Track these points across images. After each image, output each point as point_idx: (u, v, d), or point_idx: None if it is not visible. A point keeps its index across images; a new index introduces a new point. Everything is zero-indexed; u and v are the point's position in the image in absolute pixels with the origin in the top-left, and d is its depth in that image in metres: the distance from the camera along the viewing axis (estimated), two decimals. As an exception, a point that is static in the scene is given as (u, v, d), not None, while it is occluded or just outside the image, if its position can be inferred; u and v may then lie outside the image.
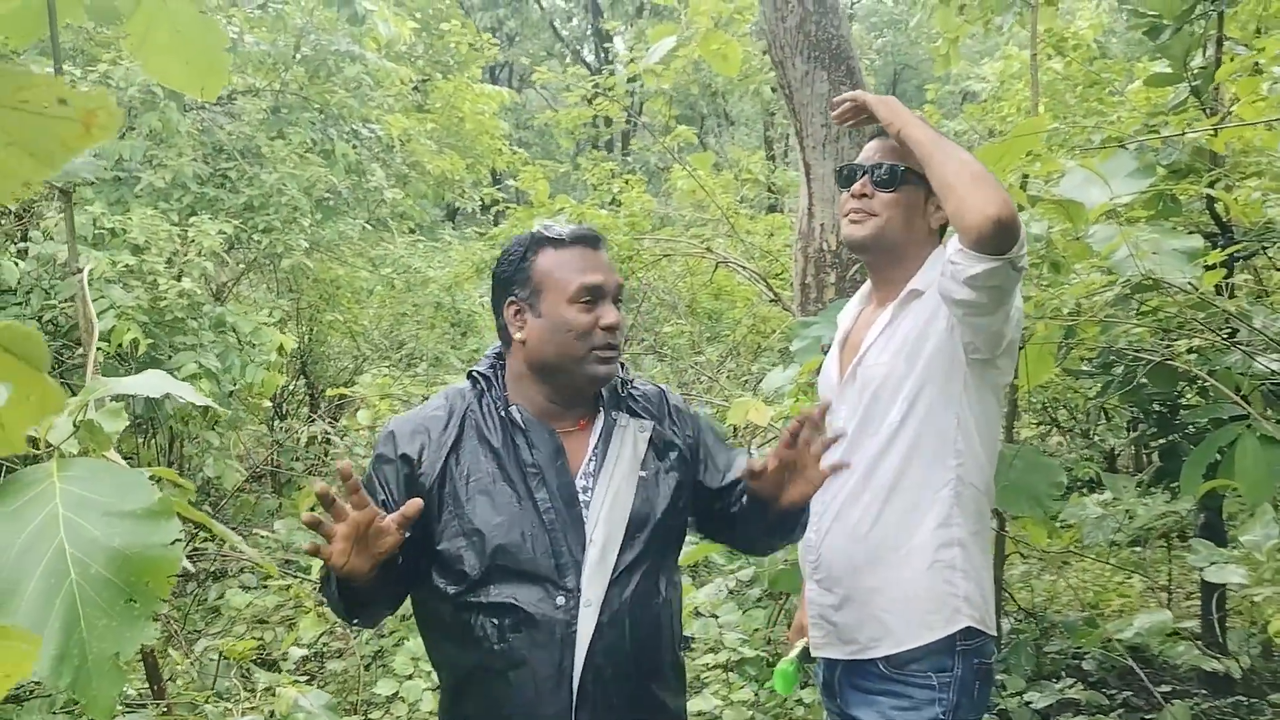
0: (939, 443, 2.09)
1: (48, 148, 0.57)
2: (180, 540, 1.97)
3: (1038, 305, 2.74)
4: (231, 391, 5.99)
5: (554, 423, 1.88)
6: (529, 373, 1.89)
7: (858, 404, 2.16)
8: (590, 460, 1.87)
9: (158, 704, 2.44)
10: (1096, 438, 6.01)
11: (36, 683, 2.66)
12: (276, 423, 7.44)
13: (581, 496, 1.83)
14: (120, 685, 1.81)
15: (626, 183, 6.15)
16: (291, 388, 8.46)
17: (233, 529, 6.11)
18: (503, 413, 1.87)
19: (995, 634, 2.19)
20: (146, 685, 2.71)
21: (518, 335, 1.88)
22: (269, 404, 7.79)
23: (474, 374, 1.93)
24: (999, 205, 1.91)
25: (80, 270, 2.50)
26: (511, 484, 1.82)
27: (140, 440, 5.93)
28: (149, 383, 2.23)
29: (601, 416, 1.90)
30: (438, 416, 1.89)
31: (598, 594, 1.77)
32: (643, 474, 1.87)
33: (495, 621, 1.78)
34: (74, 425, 2.11)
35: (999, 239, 1.91)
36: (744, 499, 1.91)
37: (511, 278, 1.90)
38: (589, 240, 1.88)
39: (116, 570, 1.85)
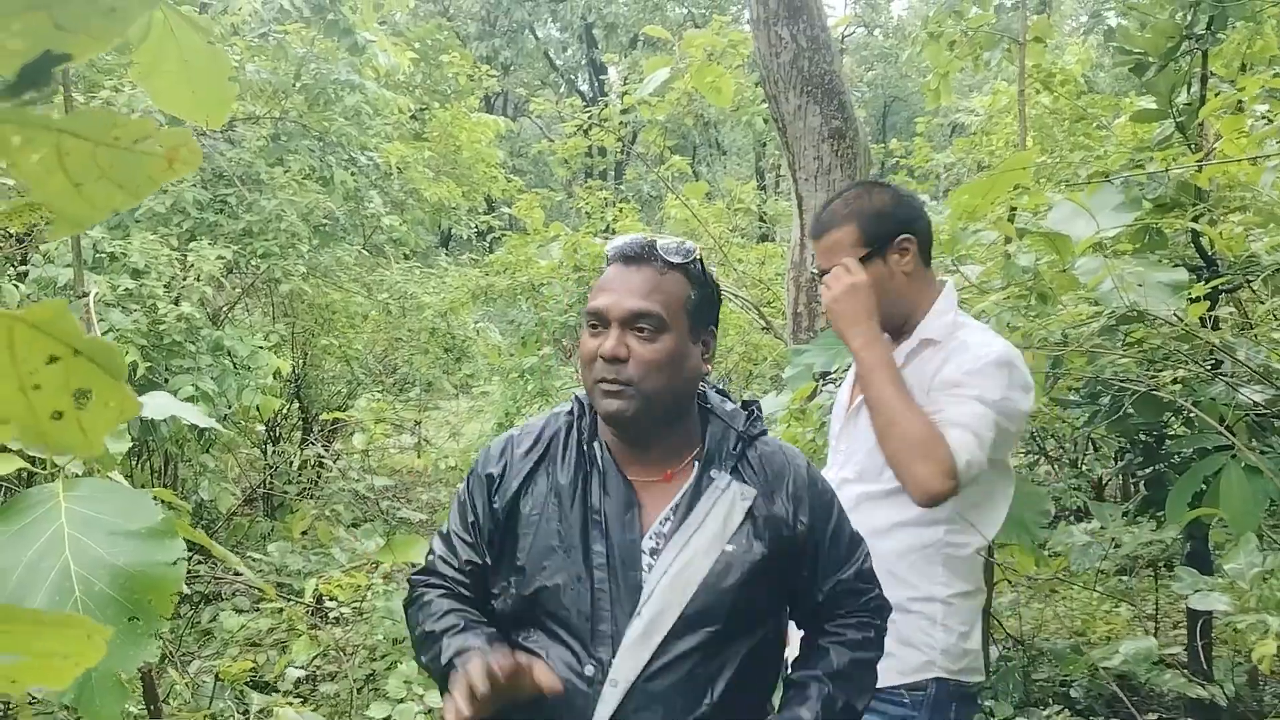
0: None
1: (135, 180, 0.64)
2: (184, 560, 2.01)
3: (1025, 336, 2.79)
4: (226, 415, 6.03)
5: (636, 469, 1.66)
6: None
7: (860, 444, 2.19)
8: (666, 520, 1.62)
9: (155, 723, 2.46)
10: (1084, 467, 6.05)
11: (35, 699, 2.69)
12: (270, 446, 7.47)
13: (645, 559, 1.59)
14: (123, 701, 1.85)
15: (620, 211, 6.23)
16: (285, 411, 8.49)
17: (230, 551, 6.12)
18: (585, 446, 1.68)
19: (977, 680, 2.21)
20: (143, 705, 2.73)
21: None
22: (262, 428, 7.82)
23: (577, 396, 1.74)
24: (938, 482, 1.98)
25: (86, 294, 2.55)
26: (568, 527, 1.61)
27: (135, 463, 5.95)
28: (154, 404, 2.28)
29: (695, 471, 1.64)
30: (528, 436, 1.71)
31: (628, 676, 1.54)
32: (729, 548, 1.59)
33: None
34: (80, 446, 2.16)
35: (944, 500, 2.00)
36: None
37: None
38: (623, 256, 1.65)
39: (120, 588, 1.89)
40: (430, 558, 1.76)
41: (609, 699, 1.54)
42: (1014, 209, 3.60)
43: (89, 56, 0.60)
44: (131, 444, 5.91)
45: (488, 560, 1.68)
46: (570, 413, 1.73)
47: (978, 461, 2.01)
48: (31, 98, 0.59)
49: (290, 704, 3.52)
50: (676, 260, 1.63)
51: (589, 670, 1.55)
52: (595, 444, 1.67)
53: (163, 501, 3.00)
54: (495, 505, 1.66)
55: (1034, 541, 3.34)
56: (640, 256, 1.63)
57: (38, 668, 0.66)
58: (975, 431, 2.01)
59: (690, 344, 1.63)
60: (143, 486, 5.38)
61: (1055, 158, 4.78)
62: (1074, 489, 5.92)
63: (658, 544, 1.60)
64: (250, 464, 7.61)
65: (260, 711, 3.44)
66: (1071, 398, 4.37)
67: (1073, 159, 4.49)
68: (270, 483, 7.12)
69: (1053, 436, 6.34)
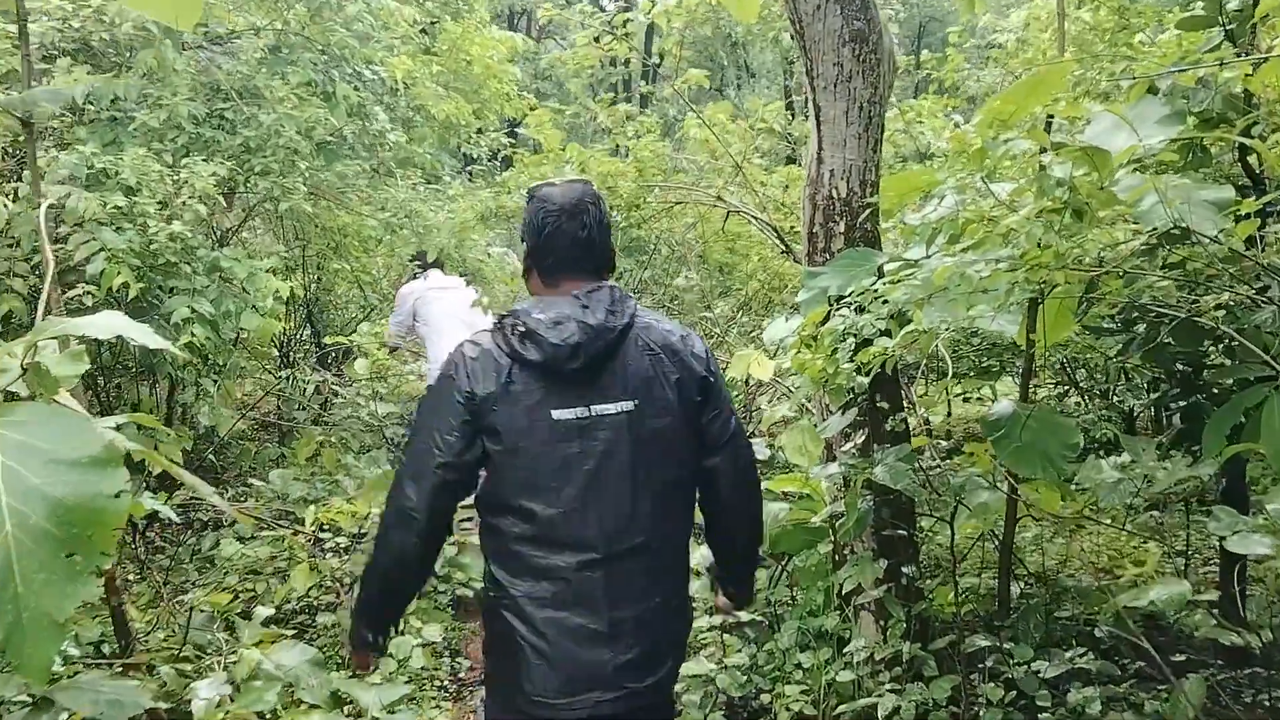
0: None
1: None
2: (127, 492, 1.84)
3: (1057, 256, 2.56)
4: (236, 339, 5.88)
5: None
6: None
7: None
8: None
9: (113, 661, 2.33)
10: (1116, 398, 5.83)
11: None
12: (284, 371, 7.33)
13: None
14: (57, 645, 1.69)
15: (642, 124, 5.93)
16: (299, 336, 8.35)
17: (234, 478, 6.04)
18: None
19: None
20: (101, 643, 2.62)
21: None
22: (276, 353, 7.69)
23: None
24: None
25: (39, 205, 2.37)
26: None
27: (141, 390, 5.84)
28: (102, 324, 2.09)
29: None
30: None
31: None
32: None
33: None
34: (21, 368, 1.99)
35: None
36: None
37: None
38: None
39: (57, 521, 1.73)
40: None
41: None
42: (1051, 118, 3.34)
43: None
44: (138, 369, 5.80)
45: None
46: None
47: None
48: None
49: (283, 636, 3.42)
50: None
51: None
52: None
53: (140, 426, 2.81)
54: None
55: (1060, 476, 3.14)
56: None
57: None
58: None
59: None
60: (150, 412, 5.26)
61: (1095, 70, 4.47)
62: (1105, 421, 5.71)
63: None
64: (263, 389, 7.49)
65: (253, 644, 3.33)
66: (1106, 325, 4.14)
67: (1113, 69, 4.19)
68: (280, 409, 7.00)
69: (1084, 367, 6.11)
